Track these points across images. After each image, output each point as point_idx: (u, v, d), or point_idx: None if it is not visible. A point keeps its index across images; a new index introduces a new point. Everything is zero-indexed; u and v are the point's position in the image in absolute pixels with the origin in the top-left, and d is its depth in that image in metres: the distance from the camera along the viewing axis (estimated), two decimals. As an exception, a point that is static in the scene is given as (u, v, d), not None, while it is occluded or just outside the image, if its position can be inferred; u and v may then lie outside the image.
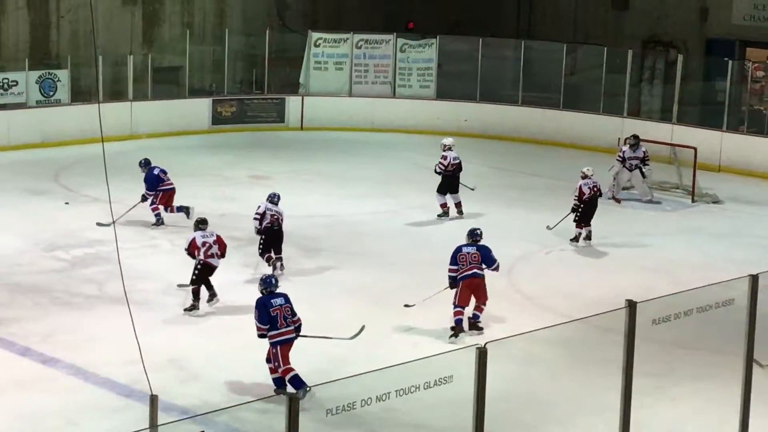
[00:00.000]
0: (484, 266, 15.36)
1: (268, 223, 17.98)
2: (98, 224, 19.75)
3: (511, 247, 19.86)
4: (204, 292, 16.15)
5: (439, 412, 11.37)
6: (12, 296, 16.39)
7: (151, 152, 26.80)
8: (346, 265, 18.60)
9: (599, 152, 27.48)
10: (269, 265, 17.80)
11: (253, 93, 31.88)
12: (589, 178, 20.32)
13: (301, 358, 13.90)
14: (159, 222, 20.52)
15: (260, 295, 13.19)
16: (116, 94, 29.47)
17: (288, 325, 12.99)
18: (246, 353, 14.29)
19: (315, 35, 31.95)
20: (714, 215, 23.25)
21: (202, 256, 16.27)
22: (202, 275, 16.23)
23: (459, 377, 7.28)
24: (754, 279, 8.96)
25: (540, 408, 12.96)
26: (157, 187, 20.68)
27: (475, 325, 15.20)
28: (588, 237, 20.30)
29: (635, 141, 23.87)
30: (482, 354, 7.21)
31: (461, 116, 31.15)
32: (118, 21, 30.49)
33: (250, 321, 15.48)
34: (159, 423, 7.77)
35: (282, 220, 18.12)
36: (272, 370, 12.87)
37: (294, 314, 13.12)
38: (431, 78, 32.02)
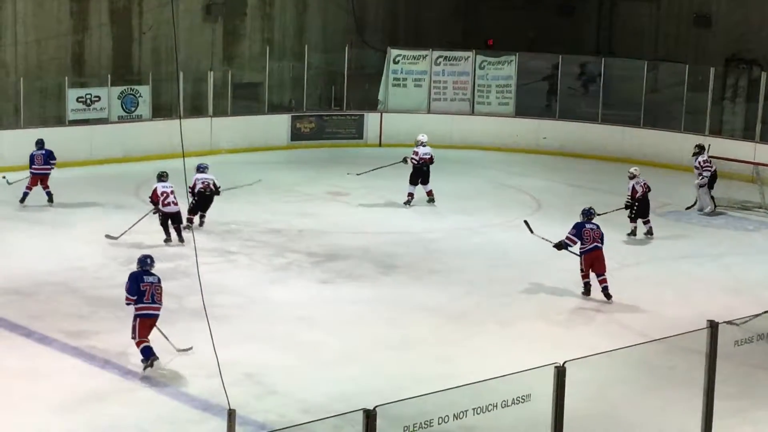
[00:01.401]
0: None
1: (201, 188, 20.92)
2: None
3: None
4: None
5: (516, 430, 11.29)
6: (92, 309, 16.57)
7: (231, 167, 27.14)
8: (424, 282, 18.56)
9: (680, 171, 27.17)
10: (187, 225, 20.48)
11: (332, 109, 32.01)
12: (638, 177, 21.75)
13: (379, 375, 13.92)
14: (23, 199, 22.48)
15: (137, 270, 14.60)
16: (196, 109, 29.78)
17: (154, 302, 14.19)
18: (323, 369, 14.33)
19: (394, 52, 32.03)
20: (797, 235, 22.89)
21: (160, 205, 19.80)
22: (164, 220, 19.93)
23: (537, 395, 7.21)
24: (840, 300, 8.79)
25: (618, 429, 12.80)
26: (31, 167, 22.62)
27: (606, 292, 17.56)
28: (650, 232, 21.68)
29: (696, 150, 23.91)
30: (561, 373, 7.13)
31: (540, 134, 31.01)
32: (198, 37, 30.82)
33: (326, 337, 15.57)
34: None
35: (214, 185, 21.11)
36: (137, 344, 14.08)
37: (160, 298, 14.31)
38: (510, 95, 31.93)
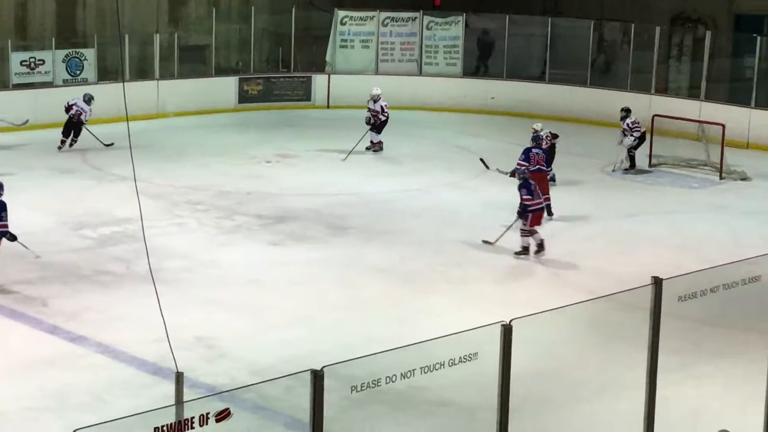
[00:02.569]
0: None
1: (72, 114, 24.31)
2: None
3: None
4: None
5: (465, 389, 11.39)
6: (40, 275, 16.48)
7: (178, 131, 27.04)
8: (374, 243, 18.62)
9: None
10: (59, 147, 24.28)
11: (279, 71, 31.89)
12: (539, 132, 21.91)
13: (330, 337, 13.98)
14: None
15: None
16: (143, 73, 29.56)
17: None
18: (274, 331, 14.37)
19: (341, 13, 31.94)
20: (742, 192, 23.13)
21: (73, 112, 24.03)
22: (68, 127, 24.26)
23: (484, 354, 7.28)
24: (781, 256, 8.93)
25: (566, 385, 12.95)
26: None
27: (549, 209, 19.71)
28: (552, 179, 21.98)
29: (623, 113, 24.39)
30: (507, 331, 7.21)
31: (488, 94, 31.08)
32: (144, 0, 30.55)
33: (276, 300, 15.61)
34: (185, 400, 7.80)
35: (83, 116, 24.40)
36: None
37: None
38: (458, 56, 31.96)
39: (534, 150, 20.11)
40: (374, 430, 11.65)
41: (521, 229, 18.03)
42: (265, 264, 17.35)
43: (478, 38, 32.62)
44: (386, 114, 25.36)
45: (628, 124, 24.12)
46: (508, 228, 18.29)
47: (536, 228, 18.02)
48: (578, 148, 26.68)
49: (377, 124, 25.33)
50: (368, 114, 25.38)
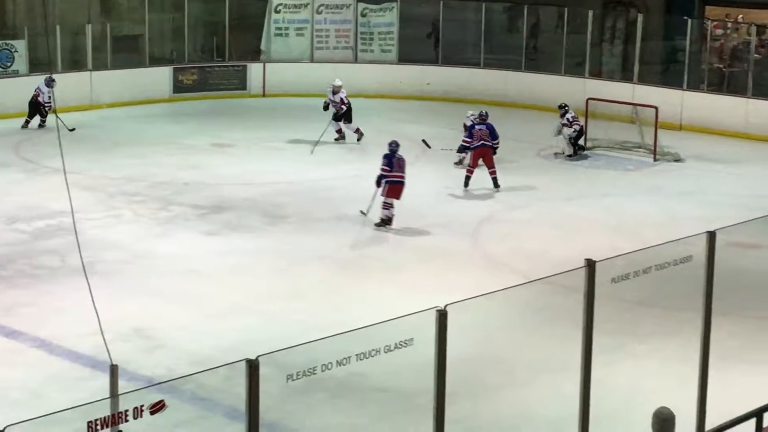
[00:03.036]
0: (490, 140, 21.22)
1: (33, 95, 25.32)
2: None
3: (476, 209, 20.00)
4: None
5: (403, 375, 11.43)
6: (-26, 269, 16.31)
7: (113, 122, 26.82)
8: (311, 231, 18.61)
9: (561, 113, 27.50)
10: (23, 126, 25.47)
11: (214, 60, 31.71)
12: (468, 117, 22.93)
13: (269, 326, 13.96)
14: None
15: None
16: (75, 64, 29.25)
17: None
18: (212, 321, 14.33)
19: (275, 1, 31.80)
20: (676, 173, 23.39)
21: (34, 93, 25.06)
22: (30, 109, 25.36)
23: (420, 339, 7.31)
24: (711, 235, 9.03)
25: (503, 369, 13.05)
26: None
27: (496, 182, 21.14)
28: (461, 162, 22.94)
29: (561, 111, 24.39)
30: (442, 316, 7.23)
31: (424, 80, 31.12)
32: (75, -10, 30.24)
33: (214, 290, 15.56)
34: (121, 392, 7.76)
35: (40, 97, 25.34)
36: None
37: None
38: (393, 42, 31.97)
39: (477, 127, 21.41)
40: (314, 418, 11.66)
41: (383, 202, 18.49)
42: (202, 254, 17.28)
43: (433, 24, 32.63)
44: (347, 103, 25.24)
45: (567, 119, 24.17)
46: (373, 198, 18.78)
47: (393, 201, 18.57)
48: (514, 132, 26.80)
49: (339, 114, 25.22)
50: (327, 101, 25.32)
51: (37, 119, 25.78)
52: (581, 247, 17.21)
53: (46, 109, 25.54)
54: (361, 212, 19.06)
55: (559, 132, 24.33)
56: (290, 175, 22.31)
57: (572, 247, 17.37)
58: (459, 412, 9.50)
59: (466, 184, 21.30)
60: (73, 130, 24.43)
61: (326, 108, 25.27)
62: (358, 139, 25.25)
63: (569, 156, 24.26)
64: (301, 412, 11.50)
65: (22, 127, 25.73)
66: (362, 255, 17.32)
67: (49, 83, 24.87)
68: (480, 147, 21.21)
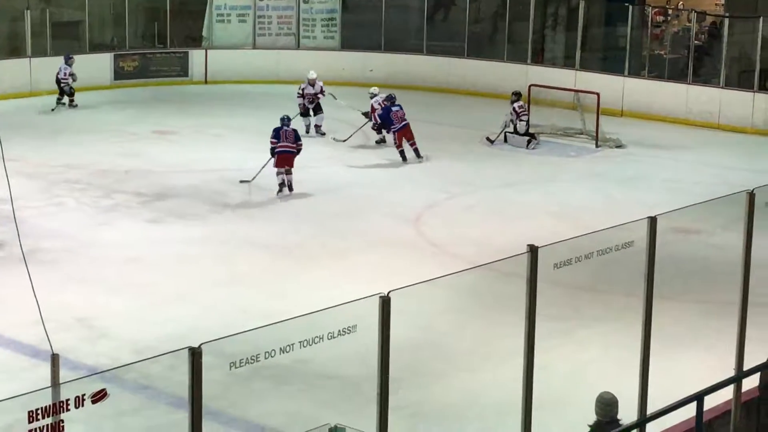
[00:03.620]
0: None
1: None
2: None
3: (419, 196, 20.03)
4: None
5: (348, 362, 11.46)
6: None
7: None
8: (254, 218, 18.57)
9: (504, 100, 27.52)
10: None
11: (155, 47, 31.46)
12: (377, 95, 23.94)
13: (212, 314, 13.92)
14: None
15: None
16: (14, 50, 28.91)
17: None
18: (155, 310, 14.28)
19: (216, -13, 31.61)
20: (618, 160, 23.56)
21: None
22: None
23: (364, 326, 7.31)
24: (653, 221, 9.09)
25: (448, 355, 13.10)
26: None
27: (418, 153, 22.44)
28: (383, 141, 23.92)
29: (514, 98, 24.36)
30: (385, 303, 7.24)
31: (366, 66, 31.09)
32: (13, -26, 29.87)
33: (157, 278, 15.48)
34: (62, 381, 7.71)
35: (59, 73, 25.99)
36: None
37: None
38: (335, 29, 31.90)
39: (394, 108, 22.71)
40: (258, 406, 11.66)
41: (276, 171, 19.81)
42: (144, 242, 17.19)
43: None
44: (324, 93, 25.02)
45: (515, 108, 24.15)
46: (263, 166, 19.95)
47: (285, 169, 19.82)
48: (456, 119, 26.93)
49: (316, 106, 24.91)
50: (302, 101, 24.81)
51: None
52: (523, 233, 17.24)
53: (62, 85, 26.43)
54: (242, 181, 20.21)
55: (506, 124, 24.29)
56: (232, 162, 22.18)
57: (514, 234, 17.43)
58: (403, 398, 9.54)
59: (405, 158, 22.34)
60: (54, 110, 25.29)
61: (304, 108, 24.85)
62: (321, 134, 24.81)
63: (491, 141, 24.29)
64: (245, 400, 11.49)
65: (52, 110, 26.27)
66: (305, 242, 17.30)
67: (67, 59, 26.30)
68: (404, 127, 22.44)
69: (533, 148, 24.01)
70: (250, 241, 17.30)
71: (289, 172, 19.90)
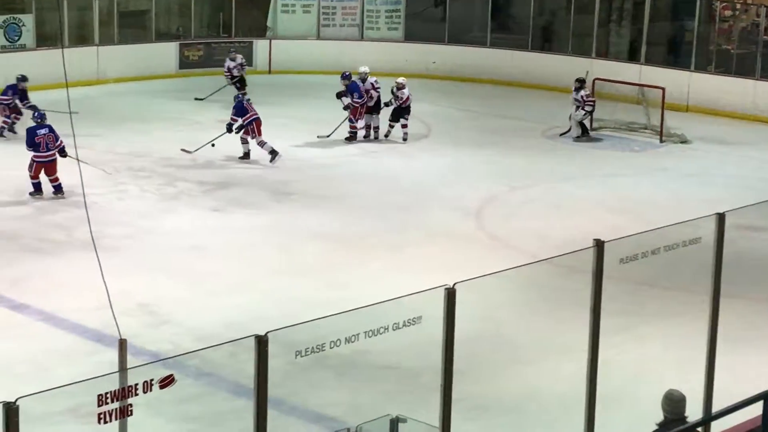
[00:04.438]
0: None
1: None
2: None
3: (480, 189, 19.96)
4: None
5: (409, 353, 11.45)
6: (-20, 243, 16.31)
7: (119, 97, 26.78)
8: (317, 208, 18.60)
9: (567, 93, 27.38)
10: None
11: (220, 37, 31.61)
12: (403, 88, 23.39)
13: (273, 302, 13.96)
14: None
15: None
16: (82, 38, 29.18)
17: (49, 150, 18.41)
18: (216, 298, 14.34)
19: (282, -22, 31.70)
20: (682, 155, 23.33)
21: None
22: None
23: (428, 318, 7.30)
24: (721, 217, 9.01)
25: (509, 348, 13.06)
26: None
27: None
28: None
29: (577, 84, 24.23)
30: (451, 294, 7.23)
31: (429, 58, 31.04)
32: (82, -36, 30.14)
33: (219, 266, 15.56)
34: (128, 367, 7.76)
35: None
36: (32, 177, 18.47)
37: (57, 139, 18.47)
38: (399, 20, 31.87)
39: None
40: (319, 394, 11.68)
41: (241, 137, 21.31)
42: (207, 230, 17.28)
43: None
44: (379, 89, 23.56)
45: (582, 97, 24.02)
46: (215, 138, 21.41)
47: (255, 138, 21.10)
48: (519, 112, 26.81)
49: (374, 105, 23.47)
50: (350, 99, 23.13)
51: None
52: (585, 227, 17.20)
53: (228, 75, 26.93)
54: (184, 150, 21.33)
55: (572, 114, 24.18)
56: (295, 152, 22.25)
57: (576, 228, 17.36)
58: (464, 391, 9.50)
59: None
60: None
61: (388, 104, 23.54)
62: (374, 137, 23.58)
63: (577, 137, 24.16)
64: (306, 389, 11.51)
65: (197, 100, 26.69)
66: (366, 233, 17.30)
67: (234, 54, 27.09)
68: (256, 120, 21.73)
69: (581, 142, 23.92)
70: (311, 230, 17.33)
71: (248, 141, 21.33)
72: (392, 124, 23.31)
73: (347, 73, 23.41)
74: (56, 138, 18.51)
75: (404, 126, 23.31)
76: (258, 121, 21.28)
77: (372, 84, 23.51)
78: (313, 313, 7.21)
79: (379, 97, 23.52)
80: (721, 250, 9.06)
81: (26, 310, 13.76)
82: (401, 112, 23.26)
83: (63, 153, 18.42)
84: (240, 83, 26.67)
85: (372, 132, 23.54)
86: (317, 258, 16.09)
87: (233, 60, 27.02)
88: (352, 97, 22.99)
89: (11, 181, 19.37)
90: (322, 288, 14.56)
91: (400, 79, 23.54)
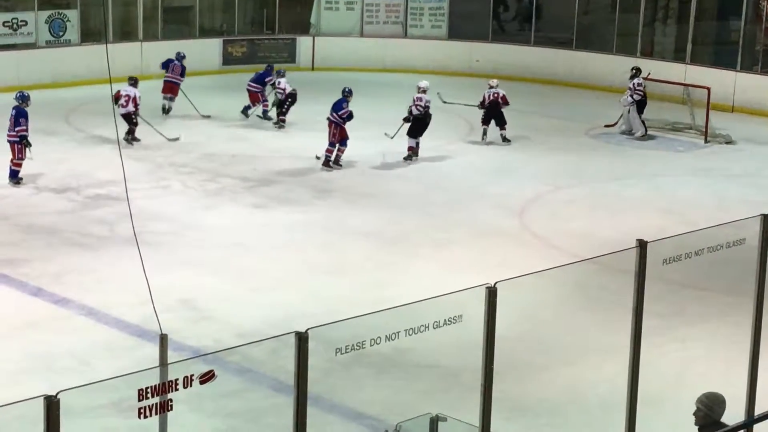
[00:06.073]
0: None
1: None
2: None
3: (523, 188, 19.90)
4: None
5: (449, 351, 11.42)
6: (24, 237, 16.44)
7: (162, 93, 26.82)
8: (359, 206, 18.60)
9: (612, 92, 27.27)
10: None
11: (263, 33, 31.70)
12: (494, 88, 23.42)
13: (314, 300, 13.97)
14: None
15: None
16: (126, 34, 29.35)
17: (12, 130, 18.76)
18: (258, 294, 14.36)
19: (326, -25, 31.74)
20: (727, 156, 23.14)
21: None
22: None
23: (469, 317, 7.26)
24: (765, 218, 8.88)
25: (550, 348, 12.99)
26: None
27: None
28: (505, 139, 23.26)
29: (633, 72, 24.29)
30: (492, 293, 7.18)
31: (473, 56, 30.98)
32: (127, -40, 30.31)
33: (260, 263, 15.59)
34: (169, 362, 7.78)
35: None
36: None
37: (18, 125, 18.66)
38: (443, 18, 31.83)
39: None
40: (359, 392, 11.67)
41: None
42: (249, 227, 17.32)
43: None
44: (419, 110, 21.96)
45: (634, 84, 24.05)
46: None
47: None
48: (563, 111, 26.71)
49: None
50: (416, 108, 21.82)
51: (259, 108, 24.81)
52: (628, 227, 17.13)
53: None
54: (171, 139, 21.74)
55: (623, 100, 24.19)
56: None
57: (619, 228, 17.28)
58: (504, 390, 9.46)
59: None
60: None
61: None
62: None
63: (642, 136, 23.97)
64: (345, 387, 11.51)
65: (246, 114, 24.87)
66: (409, 231, 17.28)
67: (182, 58, 25.46)
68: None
69: (624, 134, 23.88)
70: (353, 228, 17.33)
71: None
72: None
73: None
74: (16, 123, 18.80)
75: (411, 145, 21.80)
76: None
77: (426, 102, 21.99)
78: (355, 311, 7.19)
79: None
80: (766, 251, 8.95)
81: (68, 304, 13.84)
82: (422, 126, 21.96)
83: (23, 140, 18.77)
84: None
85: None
86: (360, 256, 16.08)
87: (283, 76, 24.62)
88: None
89: (55, 174, 19.51)
90: (365, 286, 14.56)
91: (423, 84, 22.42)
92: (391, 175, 20.55)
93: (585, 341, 13.10)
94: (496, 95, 23.22)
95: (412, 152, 21.62)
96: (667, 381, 11.50)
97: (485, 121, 23.27)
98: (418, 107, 21.85)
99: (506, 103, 23.25)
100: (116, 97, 21.61)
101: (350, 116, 20.83)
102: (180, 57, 25.08)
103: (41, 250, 15.84)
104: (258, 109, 24.65)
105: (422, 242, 16.77)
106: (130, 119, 21.87)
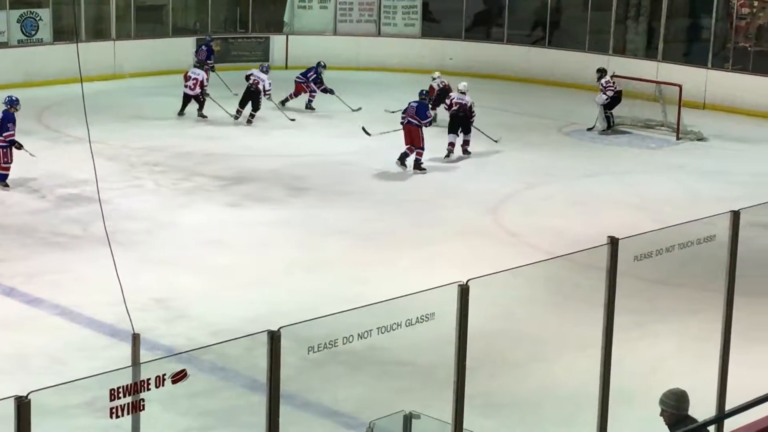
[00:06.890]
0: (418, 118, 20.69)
1: (250, 83, 24.03)
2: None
3: (497, 185, 19.96)
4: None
5: (423, 349, 11.44)
6: (-3, 237, 16.38)
7: (136, 91, 26.84)
8: (334, 204, 18.61)
9: (584, 90, 27.39)
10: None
11: (237, 32, 31.66)
12: (464, 94, 22.19)
13: (290, 298, 13.98)
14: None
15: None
16: (99, 33, 29.26)
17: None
18: (233, 292, 14.36)
19: (299, -27, 31.74)
20: (699, 152, 23.28)
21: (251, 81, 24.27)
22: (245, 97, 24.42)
23: (442, 314, 7.30)
24: (735, 215, 8.97)
25: (523, 345, 13.05)
26: None
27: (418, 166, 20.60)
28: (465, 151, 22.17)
29: (598, 74, 24.55)
30: (464, 291, 7.22)
31: (446, 54, 31.03)
32: (99, -41, 30.22)
33: (235, 261, 15.58)
34: (142, 361, 7.79)
35: (260, 84, 24.04)
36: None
37: (6, 130, 18.53)
38: (416, 16, 31.87)
39: (411, 103, 21.00)
40: (333, 390, 11.69)
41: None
42: (223, 225, 17.31)
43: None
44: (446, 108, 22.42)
45: (602, 84, 24.21)
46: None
47: None
48: (535, 108, 26.78)
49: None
50: (454, 109, 21.91)
51: (248, 109, 24.45)
52: (602, 224, 17.16)
53: (268, 96, 24.47)
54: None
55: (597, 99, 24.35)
56: (312, 147, 22.30)
57: (593, 225, 17.33)
58: (478, 387, 9.50)
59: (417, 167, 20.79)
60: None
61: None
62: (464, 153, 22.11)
63: (603, 131, 24.14)
64: (320, 385, 11.53)
65: (235, 118, 24.38)
66: (384, 229, 17.31)
67: (267, 70, 24.70)
68: (407, 124, 20.79)
69: (606, 135, 23.98)
70: (328, 226, 17.35)
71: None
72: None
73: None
74: (3, 128, 18.73)
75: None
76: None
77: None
78: (330, 308, 7.20)
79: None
80: (736, 247, 9.03)
81: (41, 304, 13.80)
82: None
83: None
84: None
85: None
86: (335, 254, 16.10)
87: (266, 72, 24.80)
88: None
89: (27, 174, 19.44)
90: (340, 284, 14.57)
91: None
92: (364, 173, 20.55)
93: (558, 337, 13.17)
94: (462, 103, 22.04)
95: (452, 149, 21.82)
96: (638, 376, 11.56)
97: (453, 129, 21.92)
98: (460, 107, 21.84)
99: (472, 114, 22.08)
100: (185, 78, 24.18)
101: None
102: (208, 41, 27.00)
103: (15, 250, 15.79)
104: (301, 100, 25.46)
105: (397, 240, 16.80)
106: (199, 99, 24.08)
